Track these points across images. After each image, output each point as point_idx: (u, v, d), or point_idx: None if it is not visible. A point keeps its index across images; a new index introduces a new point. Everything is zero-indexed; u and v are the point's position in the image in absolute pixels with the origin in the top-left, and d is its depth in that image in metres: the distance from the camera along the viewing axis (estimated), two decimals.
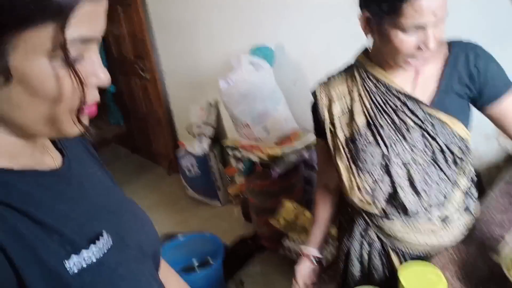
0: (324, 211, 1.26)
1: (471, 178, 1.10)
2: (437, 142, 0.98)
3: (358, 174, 1.04)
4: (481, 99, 1.00)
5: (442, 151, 0.99)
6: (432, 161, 1.00)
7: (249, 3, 2.34)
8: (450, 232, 1.07)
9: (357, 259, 1.15)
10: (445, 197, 1.04)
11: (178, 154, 3.11)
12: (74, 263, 0.48)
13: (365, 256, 1.13)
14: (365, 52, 1.06)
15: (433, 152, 1.00)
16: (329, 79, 1.11)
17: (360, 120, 1.02)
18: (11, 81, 0.44)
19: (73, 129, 0.51)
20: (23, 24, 0.41)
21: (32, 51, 0.43)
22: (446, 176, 1.02)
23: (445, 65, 0.99)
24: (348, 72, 1.08)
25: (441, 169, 1.01)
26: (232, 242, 2.56)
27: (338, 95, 1.07)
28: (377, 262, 1.12)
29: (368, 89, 1.02)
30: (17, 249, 0.43)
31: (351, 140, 1.04)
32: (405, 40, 0.88)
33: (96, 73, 0.49)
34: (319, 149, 1.20)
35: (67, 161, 0.59)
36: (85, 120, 0.52)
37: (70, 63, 0.45)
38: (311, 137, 2.26)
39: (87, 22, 0.45)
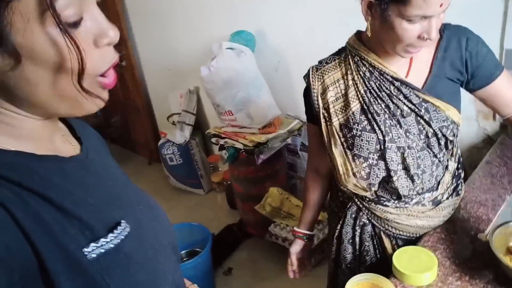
0: (314, 194, 1.27)
1: (458, 160, 1.13)
2: (431, 127, 1.00)
3: (354, 160, 1.04)
4: (473, 82, 1.01)
5: (435, 135, 1.01)
6: (426, 146, 1.02)
7: None
8: (440, 213, 1.10)
9: (349, 242, 1.17)
10: (436, 180, 1.07)
11: (159, 143, 3.06)
12: (92, 249, 0.49)
13: (357, 240, 1.15)
14: (358, 36, 1.05)
15: (427, 137, 1.01)
16: (321, 63, 1.09)
17: (355, 106, 1.02)
18: (21, 60, 0.43)
19: (89, 103, 0.50)
20: None
21: (28, 21, 0.42)
22: (438, 160, 1.04)
23: (436, 50, 1.00)
24: (341, 56, 1.07)
25: (434, 153, 1.03)
26: (218, 230, 2.56)
27: (332, 80, 1.05)
28: (369, 245, 1.15)
29: (362, 74, 1.01)
30: (38, 232, 0.44)
31: (346, 126, 1.04)
32: (409, 29, 0.87)
33: (103, 31, 0.48)
34: (311, 134, 1.19)
35: (84, 149, 0.59)
36: (105, 91, 0.52)
37: (58, 25, 0.43)
38: (294, 123, 2.27)
39: None
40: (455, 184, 1.12)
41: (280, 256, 2.05)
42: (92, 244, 0.48)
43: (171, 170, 3.11)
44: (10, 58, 0.43)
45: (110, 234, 0.51)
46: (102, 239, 0.49)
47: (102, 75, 0.51)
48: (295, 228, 1.31)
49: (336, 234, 1.20)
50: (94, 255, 0.48)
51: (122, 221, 0.53)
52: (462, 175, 1.16)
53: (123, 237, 0.52)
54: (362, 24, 1.07)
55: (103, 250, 0.49)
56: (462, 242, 1.07)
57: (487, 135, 1.65)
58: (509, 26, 1.41)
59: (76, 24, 0.45)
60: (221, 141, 2.31)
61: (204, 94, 2.63)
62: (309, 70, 1.10)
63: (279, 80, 2.33)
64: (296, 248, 1.30)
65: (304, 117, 2.23)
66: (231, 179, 2.52)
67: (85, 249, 0.47)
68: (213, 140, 2.36)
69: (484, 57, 0.98)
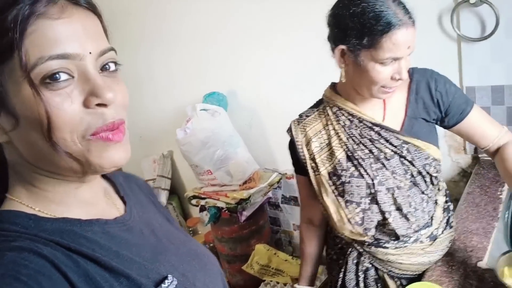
0: (311, 246, 1.26)
1: (445, 193, 1.16)
2: (414, 166, 1.04)
3: (346, 206, 1.06)
4: (448, 120, 1.07)
5: (420, 173, 1.05)
6: (413, 184, 1.05)
7: (195, 55, 2.39)
8: (438, 248, 1.11)
9: None
10: (429, 216, 1.09)
11: None
12: None
13: (361, 286, 1.13)
14: (332, 87, 1.11)
15: (412, 176, 1.05)
16: (301, 117, 1.14)
17: (340, 154, 1.05)
18: (19, 120, 0.45)
19: (101, 160, 0.49)
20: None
21: (17, 83, 0.44)
22: (427, 196, 1.07)
23: (409, 92, 1.06)
24: (319, 108, 1.11)
25: (421, 190, 1.06)
26: None
27: (314, 132, 1.09)
28: None
29: (342, 123, 1.05)
30: None
31: (334, 174, 1.06)
32: (381, 71, 0.93)
33: (95, 92, 0.46)
34: (301, 185, 1.20)
35: (128, 208, 0.62)
36: (112, 149, 0.49)
37: (32, 85, 0.44)
38: (273, 176, 2.28)
39: (45, 41, 0.44)
40: (447, 217, 1.14)
41: None
42: None
43: None
44: (11, 119, 0.45)
45: None
46: None
47: (104, 132, 0.48)
48: (296, 285, 1.28)
49: (340, 283, 1.17)
50: None
51: (168, 275, 0.54)
52: (451, 207, 1.19)
53: None
54: (326, 79, 1.14)
55: None
56: (465, 272, 1.08)
57: (461, 168, 1.72)
58: (464, 65, 1.54)
59: (52, 80, 0.44)
60: (202, 202, 2.27)
61: (178, 157, 2.61)
62: (291, 124, 1.14)
63: (254, 135, 2.37)
64: None
65: (282, 169, 2.30)
66: (215, 241, 2.44)
67: None
68: (193, 201, 2.31)
69: (454, 95, 1.05)
